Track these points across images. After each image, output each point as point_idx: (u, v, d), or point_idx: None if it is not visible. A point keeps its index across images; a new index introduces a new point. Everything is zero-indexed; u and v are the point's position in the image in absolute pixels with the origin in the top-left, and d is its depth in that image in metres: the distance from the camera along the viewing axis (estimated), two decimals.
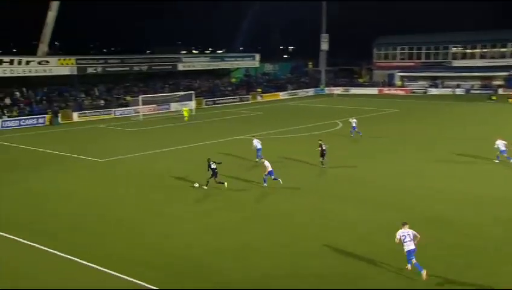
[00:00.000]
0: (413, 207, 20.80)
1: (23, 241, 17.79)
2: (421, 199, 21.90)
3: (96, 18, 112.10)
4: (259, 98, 71.23)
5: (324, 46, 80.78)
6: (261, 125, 44.56)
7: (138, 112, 54.69)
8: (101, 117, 54.21)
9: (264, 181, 24.27)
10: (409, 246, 14.22)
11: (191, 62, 66.07)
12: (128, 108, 57.03)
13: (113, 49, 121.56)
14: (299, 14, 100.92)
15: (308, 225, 19.05)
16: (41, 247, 17.17)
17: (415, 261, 14.11)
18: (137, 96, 56.65)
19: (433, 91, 76.35)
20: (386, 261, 15.36)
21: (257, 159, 29.13)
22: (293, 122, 46.39)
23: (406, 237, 14.26)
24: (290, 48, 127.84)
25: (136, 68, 59.87)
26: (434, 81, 78.83)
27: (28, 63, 50.34)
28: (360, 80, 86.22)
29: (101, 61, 56.62)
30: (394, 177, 25.96)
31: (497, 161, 28.44)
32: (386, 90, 78.74)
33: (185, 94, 60.77)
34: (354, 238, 17.47)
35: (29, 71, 50.48)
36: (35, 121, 49.57)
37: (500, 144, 28.20)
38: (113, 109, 55.85)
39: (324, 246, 16.78)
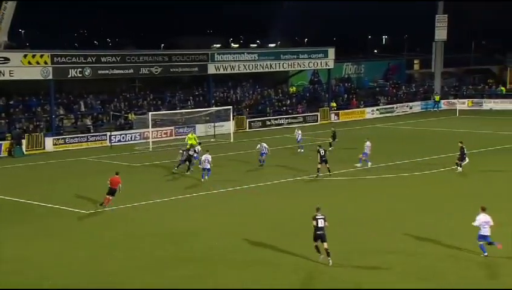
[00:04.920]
0: None
1: None
2: None
3: None
4: (333, 118, 70.69)
5: (440, 34, 79.75)
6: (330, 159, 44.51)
7: (146, 138, 55.08)
8: (89, 145, 55.06)
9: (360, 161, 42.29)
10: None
11: (229, 61, 65.78)
12: (131, 132, 57.62)
13: (108, 40, 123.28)
14: None
15: None
16: None
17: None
18: (146, 113, 57.04)
19: None
20: None
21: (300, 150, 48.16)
22: (382, 156, 45.37)
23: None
24: (384, 37, 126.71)
25: (144, 71, 59.80)
26: None
27: None
28: (502, 88, 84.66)
29: (90, 60, 56.63)
30: None
31: None
32: None
33: (218, 110, 61.07)
34: None
35: None
36: None
37: None
38: (108, 133, 56.44)
39: None
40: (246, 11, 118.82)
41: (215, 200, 34.76)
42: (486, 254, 23.67)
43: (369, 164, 41.98)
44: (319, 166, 39.26)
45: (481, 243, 23.72)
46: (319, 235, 23.19)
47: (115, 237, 27.97)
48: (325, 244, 23.21)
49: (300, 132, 50.14)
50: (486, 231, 23.54)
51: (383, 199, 33.95)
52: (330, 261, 23.06)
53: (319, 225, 23.23)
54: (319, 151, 39.26)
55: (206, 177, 38.28)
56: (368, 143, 42.51)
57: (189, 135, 52.11)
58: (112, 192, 31.84)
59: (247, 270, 23.37)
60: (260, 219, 30.30)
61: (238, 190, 36.85)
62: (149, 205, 33.61)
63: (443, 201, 32.86)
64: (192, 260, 24.75)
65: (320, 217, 23.35)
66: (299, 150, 49.11)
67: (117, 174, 32.52)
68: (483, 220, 23.56)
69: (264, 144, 43.44)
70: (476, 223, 23.70)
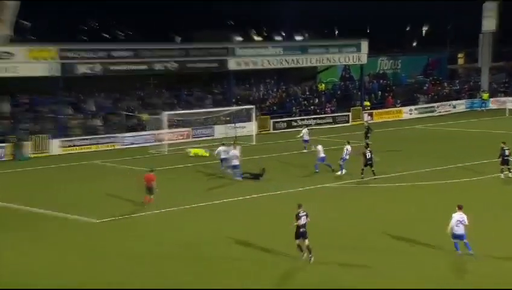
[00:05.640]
0: None
1: None
2: None
3: None
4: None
5: (489, 24, 79.21)
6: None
7: (161, 140, 55.07)
8: (99, 148, 55.53)
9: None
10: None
11: (251, 56, 65.72)
12: (145, 133, 58.02)
13: (121, 33, 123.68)
14: None
15: None
16: None
17: None
18: (160, 113, 56.83)
19: None
20: None
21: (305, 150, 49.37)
22: (417, 160, 46.77)
23: None
24: (424, 29, 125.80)
25: (158, 66, 60.02)
26: None
27: None
28: None
29: (100, 54, 57.00)
30: None
31: None
32: None
33: (239, 110, 61.02)
34: None
35: None
36: None
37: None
38: (119, 135, 56.97)
39: None
40: (244, 12, 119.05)
41: (236, 206, 35.27)
42: (459, 251, 25.26)
43: (339, 173, 41.40)
44: (364, 168, 40.20)
45: (455, 241, 25.38)
46: (302, 233, 24.73)
47: (128, 246, 28.56)
48: (307, 241, 24.71)
49: (306, 130, 51.70)
50: (460, 230, 25.09)
51: (405, 206, 34.37)
52: (312, 258, 24.49)
53: (302, 222, 24.80)
54: (365, 154, 40.08)
55: (238, 177, 40.50)
56: (348, 147, 42.24)
57: (200, 151, 50.79)
58: (148, 190, 34.01)
59: (248, 273, 24.46)
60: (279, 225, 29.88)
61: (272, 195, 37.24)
62: (166, 211, 34.06)
63: (480, 210, 31.54)
64: (196, 260, 25.97)
65: (303, 213, 24.95)
66: (305, 150, 50.03)
67: (152, 171, 34.88)
68: (457, 219, 25.09)
69: (320, 146, 43.48)
70: (452, 221, 25.21)
